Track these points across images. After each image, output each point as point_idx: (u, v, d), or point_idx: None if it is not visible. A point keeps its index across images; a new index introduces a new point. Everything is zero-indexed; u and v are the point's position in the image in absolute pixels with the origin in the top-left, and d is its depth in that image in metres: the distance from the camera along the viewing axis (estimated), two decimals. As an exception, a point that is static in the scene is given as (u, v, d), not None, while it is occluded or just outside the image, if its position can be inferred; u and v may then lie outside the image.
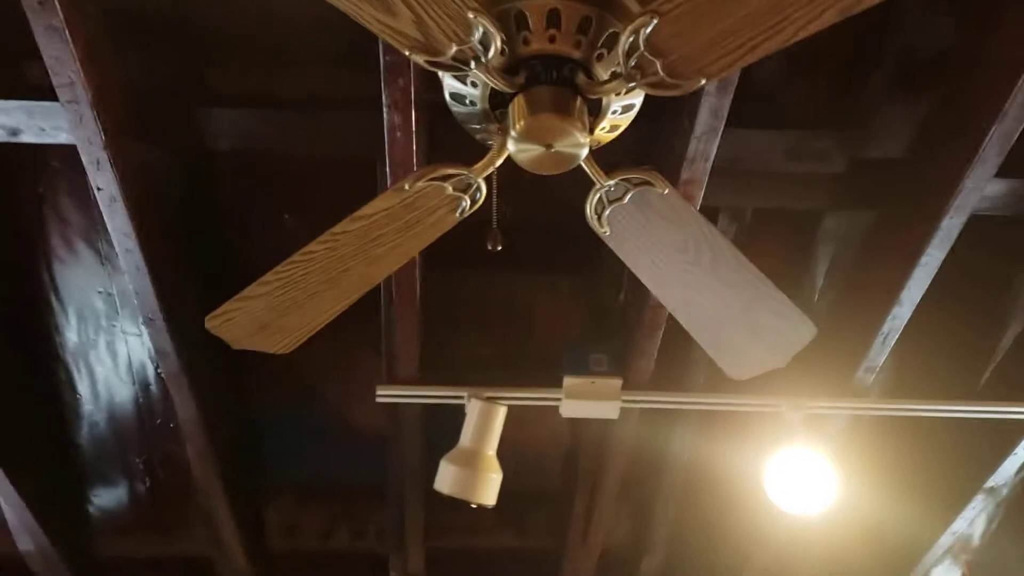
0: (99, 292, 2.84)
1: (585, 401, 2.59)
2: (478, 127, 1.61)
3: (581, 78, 1.49)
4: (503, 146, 1.54)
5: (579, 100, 1.48)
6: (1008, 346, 2.88)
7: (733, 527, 3.43)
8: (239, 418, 3.15)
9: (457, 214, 1.65)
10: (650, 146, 2.10)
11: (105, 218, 2.10)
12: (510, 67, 1.46)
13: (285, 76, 2.29)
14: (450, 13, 1.32)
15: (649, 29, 1.36)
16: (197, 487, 3.14)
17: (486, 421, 2.48)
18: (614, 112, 1.58)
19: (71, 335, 2.95)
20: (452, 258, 2.47)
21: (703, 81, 1.43)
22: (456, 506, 3.70)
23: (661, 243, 1.70)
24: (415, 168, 1.99)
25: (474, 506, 2.41)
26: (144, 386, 3.10)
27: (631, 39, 1.37)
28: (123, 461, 3.35)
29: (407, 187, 1.58)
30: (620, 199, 1.64)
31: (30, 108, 2.13)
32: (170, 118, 2.20)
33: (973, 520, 3.16)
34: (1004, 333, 2.88)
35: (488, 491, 2.42)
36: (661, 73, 1.41)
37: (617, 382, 2.59)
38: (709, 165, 1.97)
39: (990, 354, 2.91)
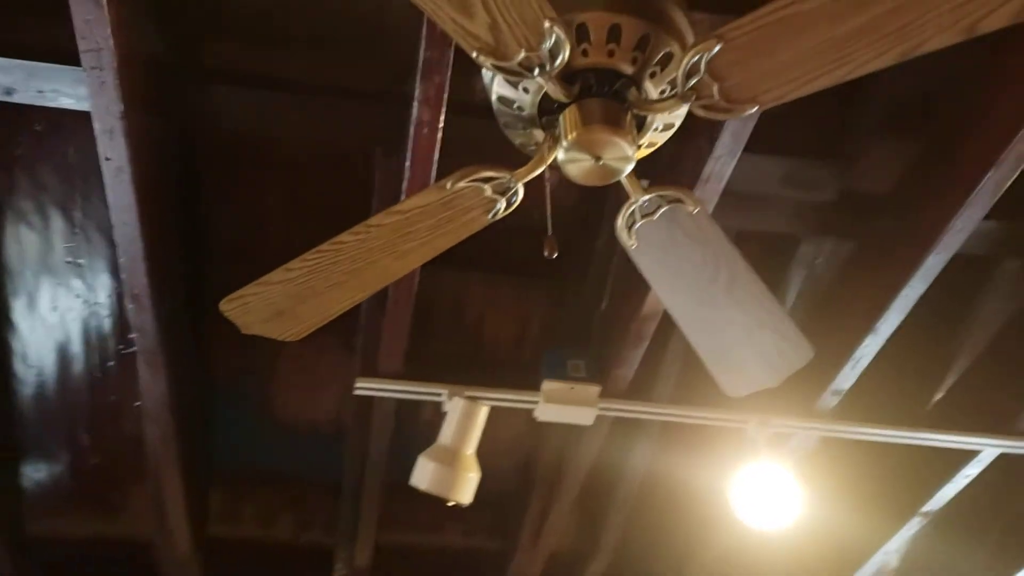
0: (68, 262, 2.75)
1: (561, 406, 2.63)
2: (522, 132, 1.63)
3: (633, 94, 1.52)
4: (548, 153, 1.57)
5: (630, 115, 1.52)
6: (956, 378, 3.04)
7: (680, 531, 3.51)
8: (198, 400, 3.09)
9: (490, 216, 1.67)
10: (659, 163, 2.15)
11: (108, 189, 2.04)
12: (566, 77, 1.48)
13: (289, 60, 2.27)
14: (526, 19, 1.33)
15: (712, 53, 1.40)
16: (149, 469, 3.06)
17: (468, 420, 2.49)
18: (655, 129, 1.62)
19: (27, 303, 2.85)
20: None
21: (755, 108, 1.49)
22: (407, 502, 3.73)
23: (683, 259, 1.75)
24: (434, 164, 2.00)
25: (450, 504, 2.42)
26: (103, 362, 3.01)
27: (693, 60, 1.42)
28: (69, 437, 3.25)
29: (448, 186, 1.59)
30: (651, 214, 1.68)
31: (32, 69, 2.06)
32: (177, 93, 2.16)
33: (907, 540, 3.31)
34: (954, 363, 3.03)
35: (465, 490, 2.44)
36: (716, 96, 1.46)
37: (595, 389, 2.63)
38: (722, 186, 2.03)
39: (939, 383, 3.06)
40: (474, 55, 1.40)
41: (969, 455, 2.93)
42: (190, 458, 3.10)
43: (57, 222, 2.66)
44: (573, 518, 3.67)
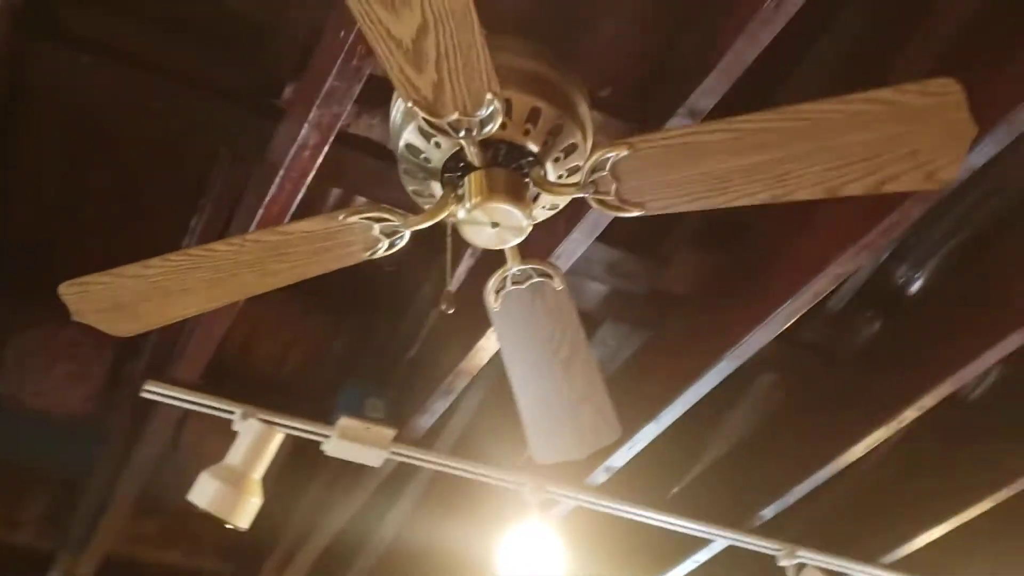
0: None
1: (352, 444, 2.64)
2: (420, 181, 1.69)
3: (536, 172, 1.64)
4: (444, 208, 1.64)
5: (529, 191, 1.64)
6: (699, 472, 3.38)
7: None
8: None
9: (367, 254, 1.70)
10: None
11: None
12: (483, 144, 1.57)
13: (156, 42, 2.18)
14: (471, 87, 1.41)
15: (620, 156, 1.55)
16: None
17: (260, 444, 2.45)
18: (543, 207, 1.74)
19: None
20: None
21: (642, 212, 1.65)
22: (139, 517, 3.55)
23: (536, 330, 1.87)
24: (303, 187, 2.00)
25: (228, 526, 2.36)
26: None
27: (602, 158, 1.56)
28: None
29: (340, 218, 1.62)
30: (520, 283, 1.79)
31: None
32: (27, 51, 2.01)
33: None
34: (702, 458, 3.38)
35: (246, 514, 2.39)
36: (612, 194, 1.61)
37: (391, 432, 2.67)
38: (568, 266, 2.19)
39: (686, 473, 3.39)
40: (409, 104, 1.45)
41: (702, 543, 3.26)
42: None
43: None
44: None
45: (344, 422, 2.61)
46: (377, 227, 1.65)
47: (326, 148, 1.90)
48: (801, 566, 3.16)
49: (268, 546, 3.59)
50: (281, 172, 1.94)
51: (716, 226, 2.56)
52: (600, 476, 2.94)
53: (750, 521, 3.16)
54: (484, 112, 1.45)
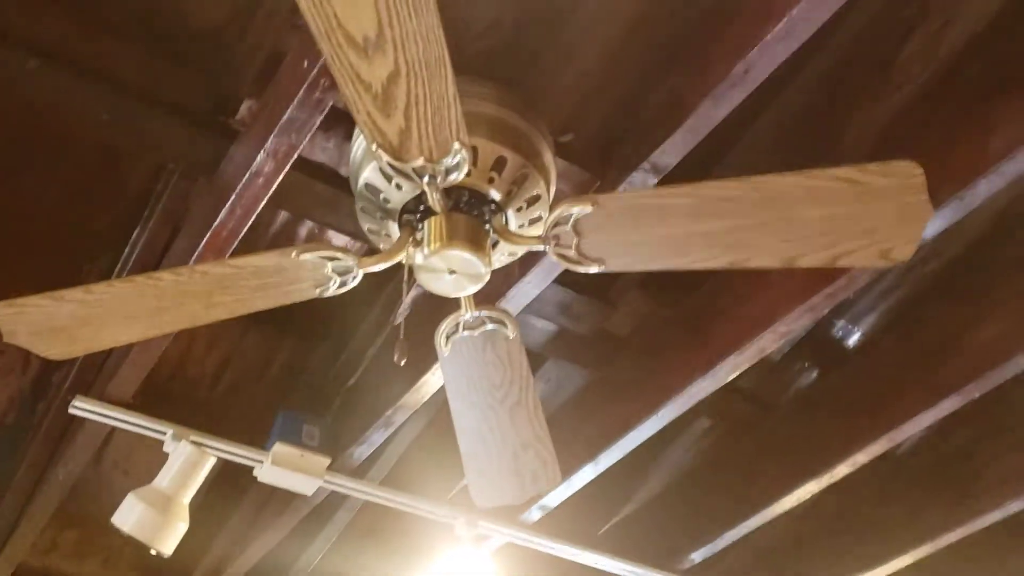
0: None
1: (285, 471, 2.57)
2: (377, 220, 1.65)
3: (498, 221, 1.62)
4: (400, 250, 1.61)
5: (490, 239, 1.61)
6: (630, 512, 3.39)
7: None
8: None
9: (318, 291, 1.66)
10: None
11: None
12: (446, 189, 1.54)
13: (117, 52, 2.10)
14: (438, 136, 1.38)
15: (583, 212, 1.53)
16: None
17: (190, 468, 2.37)
18: (501, 254, 1.71)
19: None
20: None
21: (602, 268, 1.63)
22: (56, 527, 3.42)
23: (485, 376, 1.85)
24: (253, 213, 1.94)
25: (153, 552, 2.27)
26: None
27: (565, 213, 1.54)
28: None
29: (292, 255, 1.57)
30: (472, 329, 1.76)
31: None
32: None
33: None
34: (633, 498, 3.38)
35: (171, 540, 2.31)
36: (572, 248, 1.59)
37: (325, 460, 2.61)
38: (521, 307, 2.17)
39: (616, 513, 3.39)
40: (373, 147, 1.41)
41: (628, 582, 3.25)
42: None
43: None
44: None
45: (278, 448, 2.54)
46: (330, 265, 1.61)
47: (280, 177, 1.84)
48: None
49: (196, 557, 3.48)
50: (232, 198, 1.88)
51: (666, 274, 2.57)
52: (535, 514, 2.92)
53: (680, 563, 3.17)
54: (450, 161, 1.43)
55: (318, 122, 1.75)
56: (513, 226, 1.65)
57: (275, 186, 1.87)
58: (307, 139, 1.79)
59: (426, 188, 1.49)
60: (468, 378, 1.84)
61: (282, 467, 2.55)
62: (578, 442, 2.73)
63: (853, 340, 2.93)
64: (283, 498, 2.85)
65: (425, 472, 2.94)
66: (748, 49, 1.67)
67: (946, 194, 2.00)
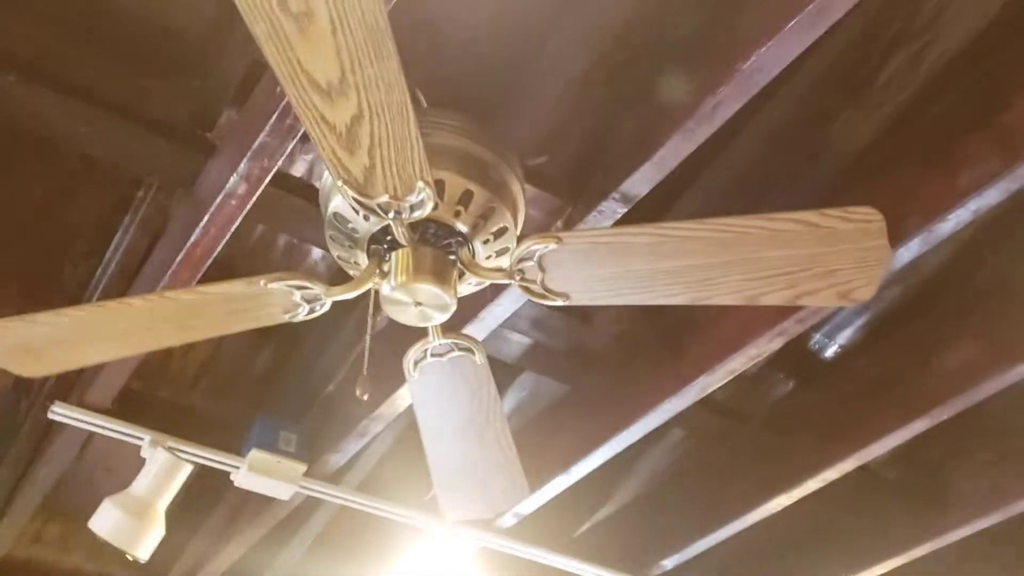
0: None
1: (262, 477, 2.59)
2: (346, 249, 1.66)
3: (465, 253, 1.62)
4: (368, 279, 1.61)
5: (456, 271, 1.62)
6: (603, 517, 3.41)
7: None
8: None
9: (287, 316, 1.67)
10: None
11: None
12: (412, 223, 1.54)
13: (94, 66, 2.11)
14: (403, 174, 1.39)
15: (548, 249, 1.55)
16: None
17: (166, 475, 2.39)
18: (468, 283, 1.72)
19: None
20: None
21: (567, 302, 1.64)
22: (40, 520, 3.44)
23: (453, 399, 1.86)
24: (227, 232, 1.95)
25: (130, 558, 2.30)
26: None
27: (530, 249, 1.55)
28: None
29: (261, 284, 1.58)
30: (441, 355, 1.77)
31: None
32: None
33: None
34: (607, 503, 3.41)
35: (146, 546, 2.33)
36: (537, 283, 1.60)
37: (301, 467, 2.63)
38: (493, 327, 2.18)
39: (588, 518, 3.42)
40: (339, 183, 1.42)
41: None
42: None
43: None
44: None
45: (255, 455, 2.56)
46: (298, 293, 1.62)
47: (254, 198, 1.85)
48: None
49: (172, 558, 3.51)
50: (206, 218, 1.88)
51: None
52: (508, 520, 2.95)
53: (652, 570, 3.20)
54: (415, 198, 1.43)
55: (290, 147, 1.75)
56: (481, 256, 1.65)
57: (247, 208, 1.87)
58: (280, 161, 1.79)
59: (392, 223, 1.50)
60: (436, 402, 1.86)
61: (258, 473, 2.57)
62: (551, 452, 2.75)
63: (828, 353, 2.95)
64: (260, 501, 2.87)
65: (400, 476, 2.95)
66: (717, 85, 1.68)
67: (914, 226, 2.01)
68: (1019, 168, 1.88)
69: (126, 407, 2.58)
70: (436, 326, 1.71)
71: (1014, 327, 2.41)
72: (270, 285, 1.58)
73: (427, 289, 1.55)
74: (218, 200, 1.85)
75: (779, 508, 2.88)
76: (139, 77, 2.13)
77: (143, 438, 2.46)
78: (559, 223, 1.97)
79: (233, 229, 1.94)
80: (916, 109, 2.09)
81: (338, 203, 1.60)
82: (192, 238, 1.94)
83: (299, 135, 1.74)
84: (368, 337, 1.65)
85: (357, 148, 1.35)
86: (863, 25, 2.04)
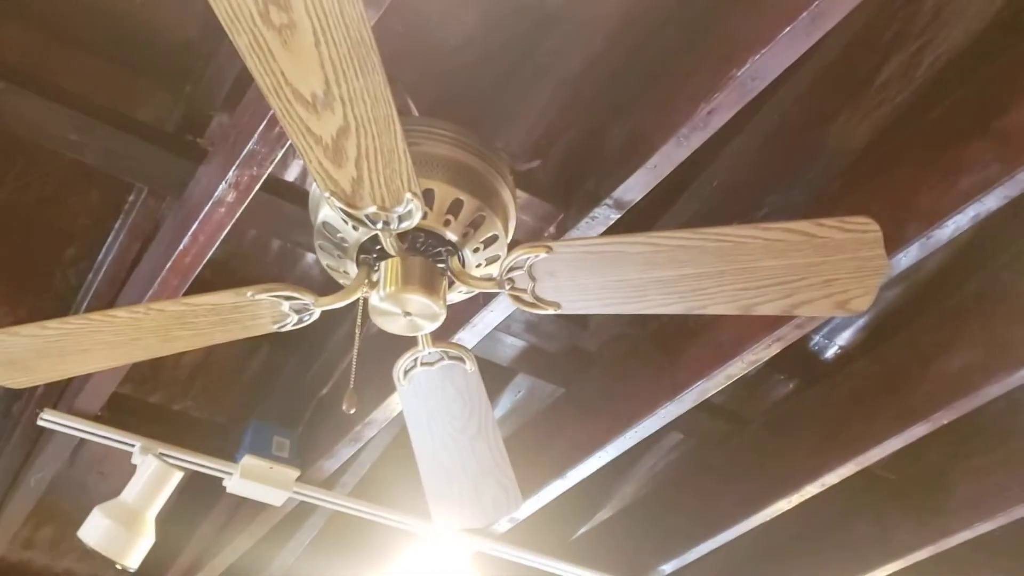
0: None
1: (254, 483, 2.58)
2: (335, 258, 1.65)
3: (455, 262, 1.62)
4: (357, 289, 1.61)
5: (446, 280, 1.61)
6: (600, 521, 3.41)
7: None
8: None
9: (275, 327, 1.66)
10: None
11: None
12: (401, 233, 1.54)
13: (75, 64, 2.10)
14: (390, 186, 1.38)
15: (538, 258, 1.54)
16: None
17: (157, 482, 2.39)
18: (459, 291, 1.71)
19: None
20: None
21: (558, 311, 1.64)
22: (32, 524, 3.44)
23: (444, 408, 1.85)
24: (217, 239, 1.94)
25: (119, 567, 2.29)
26: None
27: (520, 258, 1.54)
28: None
29: (249, 295, 1.57)
30: (430, 364, 1.77)
31: None
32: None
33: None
34: (604, 507, 3.41)
35: (135, 555, 2.32)
36: (528, 292, 1.60)
37: (294, 473, 2.63)
38: (486, 332, 2.18)
39: (585, 522, 3.42)
40: (326, 195, 1.41)
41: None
42: None
43: None
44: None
45: (248, 461, 2.56)
46: (286, 304, 1.61)
47: (243, 206, 1.84)
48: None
49: (167, 562, 3.51)
50: (195, 225, 1.88)
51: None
52: (503, 525, 2.94)
53: (649, 574, 3.19)
54: (402, 209, 1.42)
55: (279, 155, 1.75)
56: (471, 265, 1.65)
57: (236, 216, 1.87)
58: (269, 169, 1.78)
59: (380, 233, 1.49)
60: (427, 410, 1.85)
61: (251, 479, 2.56)
62: (547, 457, 2.74)
63: (830, 354, 2.94)
64: (255, 504, 2.87)
65: (395, 480, 2.95)
66: (712, 92, 1.67)
67: (912, 232, 2.00)
68: (1019, 173, 1.87)
69: (117, 412, 2.58)
70: (427, 337, 1.71)
71: (1015, 330, 2.40)
72: (257, 296, 1.58)
73: (416, 299, 1.55)
74: (207, 207, 1.84)
75: (778, 512, 2.87)
76: (129, 82, 2.13)
77: (134, 444, 2.46)
78: (551, 229, 1.96)
79: (223, 236, 1.93)
80: (914, 112, 2.08)
81: (327, 213, 1.60)
82: (181, 245, 1.93)
83: (288, 143, 1.73)
84: (356, 350, 1.64)
85: (344, 160, 1.34)
86: (860, 27, 2.02)
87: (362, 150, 1.32)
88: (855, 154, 2.20)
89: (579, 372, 2.70)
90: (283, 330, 1.66)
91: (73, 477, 3.24)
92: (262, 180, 1.79)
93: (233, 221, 1.89)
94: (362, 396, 2.50)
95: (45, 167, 2.32)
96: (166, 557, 3.28)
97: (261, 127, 1.68)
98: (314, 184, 1.70)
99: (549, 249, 1.52)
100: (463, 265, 1.64)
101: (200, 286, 1.94)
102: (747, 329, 2.25)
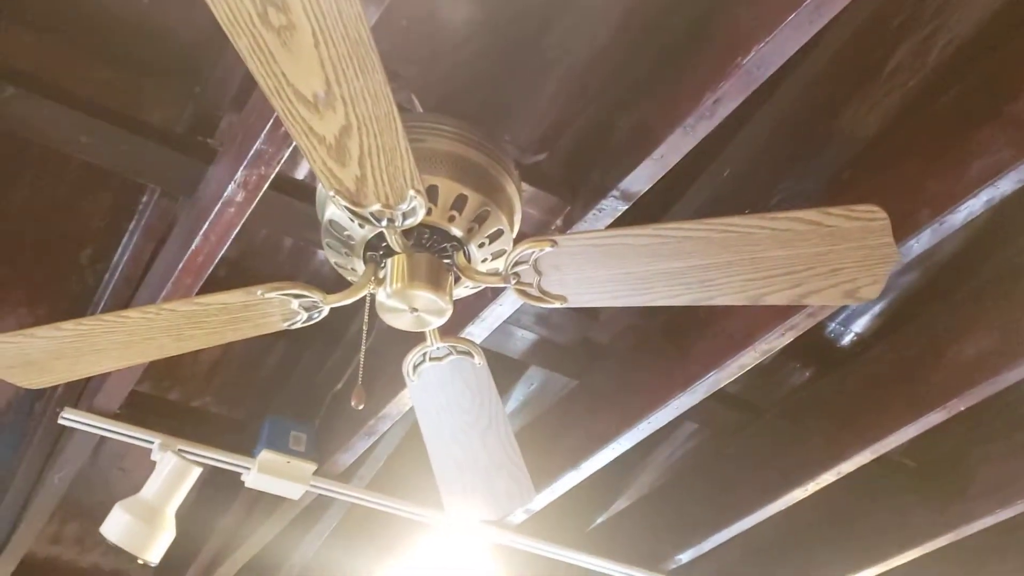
0: None
1: (272, 477, 2.61)
2: (343, 256, 1.66)
3: (460, 258, 1.62)
4: (364, 286, 1.62)
5: (452, 276, 1.61)
6: (618, 510, 3.42)
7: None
8: None
9: (286, 324, 1.68)
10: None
11: None
12: (406, 230, 1.54)
13: (84, 67, 2.11)
14: (394, 184, 1.39)
15: (543, 252, 1.54)
16: None
17: (176, 478, 2.42)
18: (465, 286, 1.72)
19: None
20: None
21: (565, 305, 1.64)
22: (59, 519, 3.49)
23: (454, 402, 1.86)
24: (228, 242, 1.96)
25: (140, 562, 2.33)
26: None
27: (525, 252, 1.54)
28: None
29: (259, 293, 1.58)
30: (439, 359, 1.78)
31: None
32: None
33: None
34: (620, 497, 3.42)
35: (156, 550, 2.36)
36: (534, 286, 1.60)
37: (311, 467, 2.65)
38: (495, 326, 2.19)
39: (603, 511, 3.42)
40: (331, 194, 1.42)
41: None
42: None
43: None
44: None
45: (265, 456, 2.58)
46: (296, 302, 1.62)
47: (252, 206, 1.85)
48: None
49: (191, 554, 3.55)
50: (206, 226, 1.89)
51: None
52: (519, 516, 2.95)
53: (666, 564, 3.20)
54: (406, 206, 1.43)
55: (286, 155, 1.76)
56: (477, 260, 1.65)
57: (247, 214, 1.88)
58: (276, 169, 1.80)
59: (385, 230, 1.50)
60: (437, 405, 1.86)
61: (269, 474, 2.59)
62: (561, 448, 2.75)
63: (846, 341, 2.92)
64: (273, 498, 2.89)
65: (411, 472, 2.96)
66: (717, 81, 1.66)
67: (925, 218, 1.99)
68: (1031, 158, 1.85)
69: (137, 410, 2.61)
70: (434, 330, 1.72)
71: (1032, 316, 2.38)
72: (267, 295, 1.59)
73: (422, 295, 1.55)
74: (217, 207, 1.85)
75: (795, 501, 2.87)
76: (139, 84, 2.14)
77: (153, 441, 2.49)
78: (558, 222, 1.97)
79: (234, 235, 1.95)
80: (925, 98, 2.06)
81: (333, 211, 1.61)
82: (193, 245, 1.95)
83: (294, 143, 1.74)
84: (364, 346, 1.65)
85: (348, 159, 1.34)
86: (869, 14, 2.00)
87: (365, 148, 1.32)
88: (866, 141, 2.19)
89: (591, 364, 2.70)
90: (293, 327, 1.67)
91: (95, 474, 3.28)
92: (270, 179, 1.80)
93: (243, 220, 1.91)
94: (374, 391, 2.54)
95: (58, 171, 2.34)
96: (188, 551, 3.32)
97: (267, 127, 1.69)
98: (320, 185, 1.72)
99: (554, 243, 1.53)
100: (469, 260, 1.64)
101: (214, 284, 1.97)
102: (759, 318, 2.24)
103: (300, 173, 2.29)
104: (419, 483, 3.02)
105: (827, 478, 2.74)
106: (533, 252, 1.54)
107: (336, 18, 1.14)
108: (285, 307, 1.63)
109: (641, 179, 1.82)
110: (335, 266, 1.71)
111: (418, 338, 1.76)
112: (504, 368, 2.85)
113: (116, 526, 2.32)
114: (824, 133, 2.22)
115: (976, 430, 2.99)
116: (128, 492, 2.56)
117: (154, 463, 2.51)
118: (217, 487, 3.11)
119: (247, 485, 2.63)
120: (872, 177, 2.15)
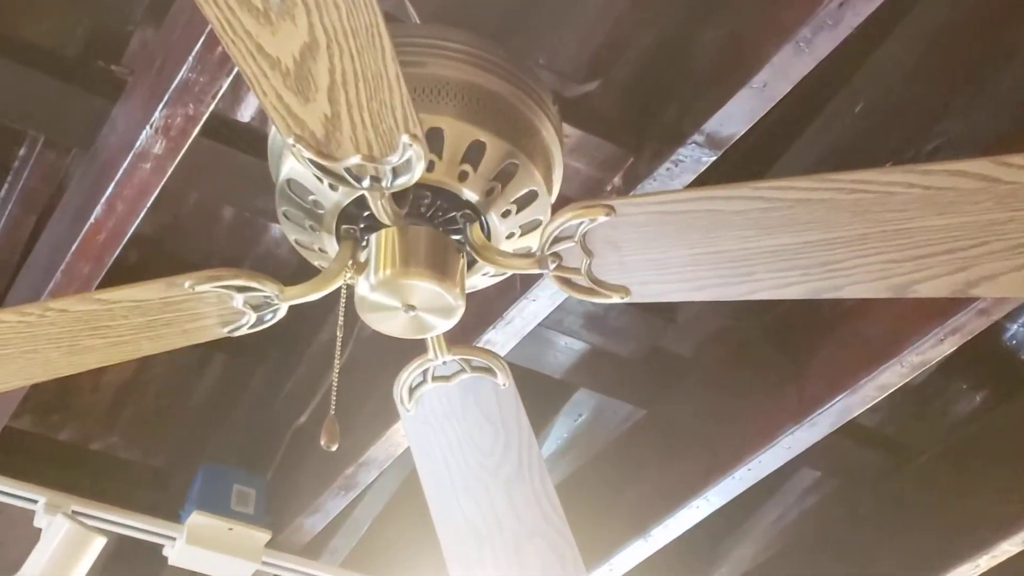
0: None
1: (208, 551, 2.64)
2: (305, 231, 1.67)
3: (476, 233, 1.62)
4: (337, 276, 1.63)
5: (464, 259, 1.62)
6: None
7: None
8: None
9: (225, 330, 1.69)
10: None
11: None
12: (397, 192, 1.55)
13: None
14: (378, 126, 1.39)
15: (595, 223, 1.54)
16: None
17: (70, 552, 2.45)
18: (484, 274, 1.73)
19: None
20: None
21: (625, 298, 1.64)
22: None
23: (467, 440, 1.88)
24: (141, 209, 1.98)
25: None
26: None
27: (568, 224, 1.54)
28: None
29: (186, 285, 1.60)
30: (447, 379, 1.79)
31: None
32: None
33: None
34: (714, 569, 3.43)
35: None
36: (582, 272, 1.60)
37: (263, 536, 2.68)
38: (528, 330, 2.21)
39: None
40: (291, 140, 1.43)
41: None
42: None
43: None
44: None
45: (196, 520, 2.61)
46: (240, 298, 1.63)
47: (176, 160, 1.88)
48: None
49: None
50: (110, 188, 1.92)
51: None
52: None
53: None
54: (397, 158, 1.43)
55: (225, 86, 1.77)
56: (500, 234, 1.66)
57: (170, 171, 1.90)
58: (211, 106, 1.81)
59: (367, 193, 1.51)
60: (444, 445, 1.88)
61: (203, 546, 2.62)
62: (622, 508, 2.78)
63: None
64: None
65: (408, 542, 3.00)
66: (845, -27, 1.67)
67: None
68: None
69: (12, 455, 2.64)
70: (439, 340, 1.73)
71: None
72: (199, 287, 1.60)
73: (421, 286, 1.56)
74: (126, 162, 1.88)
75: (965, 577, 2.88)
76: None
77: (36, 500, 2.52)
78: (616, 180, 1.98)
79: (150, 203, 1.97)
80: None
81: (293, 167, 1.62)
82: (92, 218, 1.99)
83: (234, 72, 1.76)
84: (338, 363, 1.67)
85: (312, 92, 1.35)
86: None
87: (337, 76, 1.33)
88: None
89: (665, 386, 2.72)
90: (237, 334, 1.69)
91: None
92: (202, 122, 1.82)
93: (164, 181, 1.93)
94: (353, 426, 2.56)
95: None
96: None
97: (198, 46, 1.72)
98: (274, 127, 1.73)
99: (611, 210, 1.52)
100: (488, 236, 1.65)
101: (123, 273, 1.99)
102: (907, 318, 2.26)
103: (245, 113, 2.31)
104: (416, 558, 3.06)
105: (1008, 549, 2.74)
106: (581, 223, 1.54)
107: None
108: (224, 305, 1.64)
109: (736, 118, 1.83)
110: (296, 245, 1.73)
111: (416, 349, 1.78)
112: (541, 391, 2.87)
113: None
114: (1003, 49, 2.22)
115: None
116: (2, 572, 2.59)
117: (38, 531, 2.54)
118: (130, 564, 3.15)
119: (171, 562, 2.67)
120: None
